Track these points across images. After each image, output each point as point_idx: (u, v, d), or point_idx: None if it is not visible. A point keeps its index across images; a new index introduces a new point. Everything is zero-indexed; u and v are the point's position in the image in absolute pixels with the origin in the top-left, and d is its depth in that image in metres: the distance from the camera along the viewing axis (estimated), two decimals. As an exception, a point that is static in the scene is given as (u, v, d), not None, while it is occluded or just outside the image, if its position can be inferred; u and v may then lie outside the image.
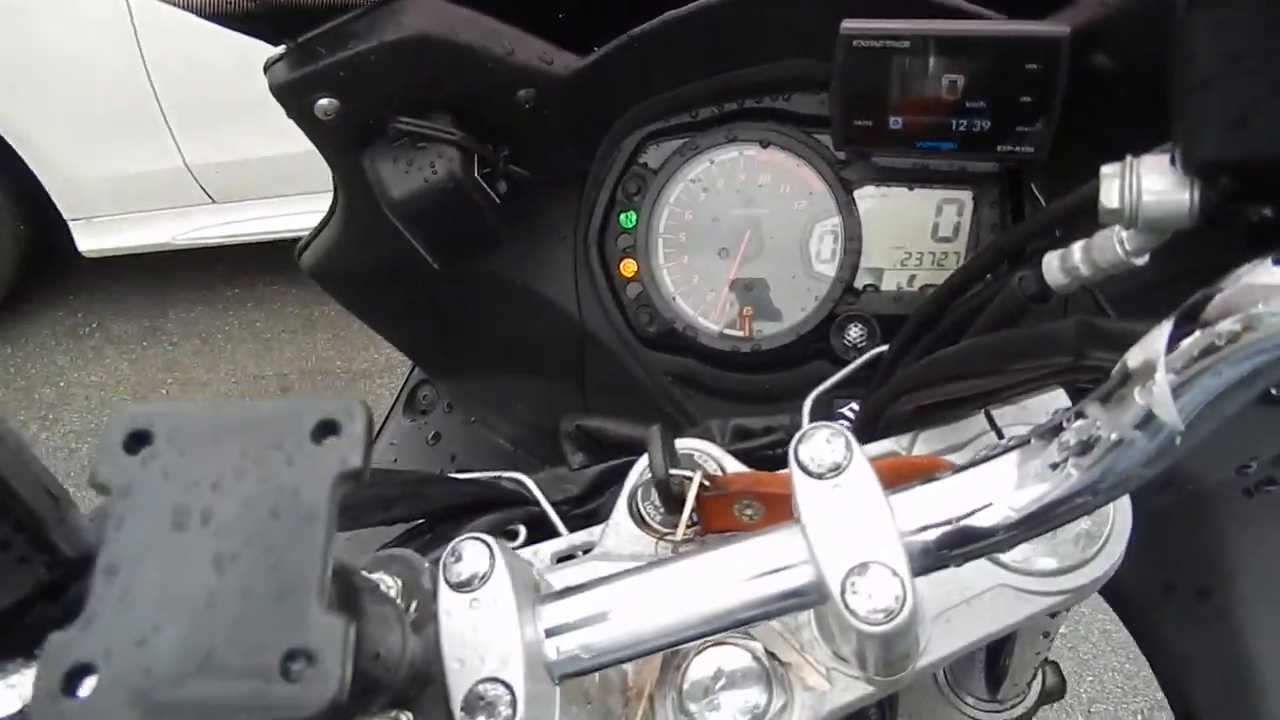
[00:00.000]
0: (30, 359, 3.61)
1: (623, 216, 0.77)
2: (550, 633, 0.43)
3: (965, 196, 0.71)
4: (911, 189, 0.72)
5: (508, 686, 0.40)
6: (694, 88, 0.76)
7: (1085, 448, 0.37)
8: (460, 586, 0.42)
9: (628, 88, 0.75)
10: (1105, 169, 0.40)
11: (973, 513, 0.40)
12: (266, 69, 0.69)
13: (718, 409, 0.80)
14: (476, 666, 0.41)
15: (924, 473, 0.51)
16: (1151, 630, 0.75)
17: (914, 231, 0.73)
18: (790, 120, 0.75)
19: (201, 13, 0.64)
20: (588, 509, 0.67)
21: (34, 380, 3.51)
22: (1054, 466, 0.39)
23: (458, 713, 0.40)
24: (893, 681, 0.49)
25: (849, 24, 0.63)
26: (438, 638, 0.41)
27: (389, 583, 0.43)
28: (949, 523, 0.40)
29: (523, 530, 0.65)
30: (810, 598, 0.41)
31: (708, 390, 0.80)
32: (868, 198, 0.73)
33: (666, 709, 0.52)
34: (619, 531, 0.59)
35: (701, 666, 0.52)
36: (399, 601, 0.43)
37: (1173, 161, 0.37)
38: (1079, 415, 0.38)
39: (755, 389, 0.78)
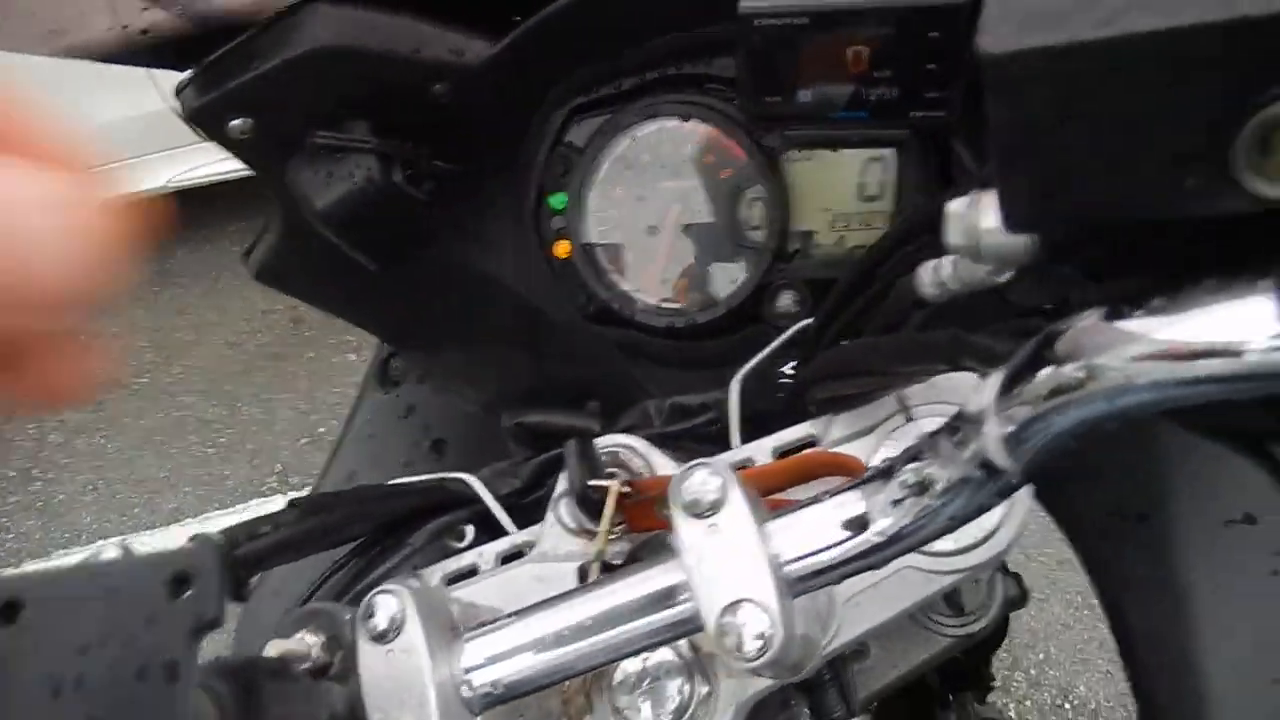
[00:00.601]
0: (48, 314, 3.67)
1: (553, 198, 0.77)
2: (468, 670, 0.46)
3: (889, 155, 0.70)
4: (835, 151, 0.71)
5: (424, 731, 0.44)
6: (614, 60, 0.75)
7: (928, 485, 0.39)
8: (377, 639, 0.46)
9: (545, 68, 0.74)
10: (950, 206, 0.40)
11: (842, 541, 0.42)
12: (177, 94, 0.69)
13: (664, 376, 0.82)
14: (396, 715, 0.44)
15: (831, 469, 0.53)
16: (1095, 552, 0.78)
17: (841, 193, 0.72)
18: (714, 84, 0.74)
19: (102, 58, 0.64)
20: (534, 498, 0.70)
21: (55, 335, 3.58)
22: (907, 498, 0.40)
23: (381, 758, 0.44)
24: (803, 674, 0.52)
25: (746, 3, 0.61)
26: (360, 689, 0.45)
27: (310, 641, 0.46)
28: (819, 551, 0.42)
29: (470, 530, 0.68)
30: (695, 627, 0.44)
31: (654, 359, 0.81)
32: (792, 162, 0.72)
33: (603, 705, 0.56)
34: (553, 534, 0.62)
35: (630, 663, 0.55)
36: (323, 656, 0.46)
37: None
38: (932, 449, 0.40)
39: (698, 355, 0.79)
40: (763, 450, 0.61)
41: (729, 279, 0.76)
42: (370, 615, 0.46)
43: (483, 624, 0.48)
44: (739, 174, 0.73)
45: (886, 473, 0.41)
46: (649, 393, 0.84)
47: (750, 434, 0.65)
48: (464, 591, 0.62)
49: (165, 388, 3.24)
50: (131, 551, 0.44)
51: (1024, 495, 0.54)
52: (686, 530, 0.43)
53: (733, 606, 0.41)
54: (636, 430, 0.68)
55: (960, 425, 0.38)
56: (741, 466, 0.61)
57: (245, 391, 3.16)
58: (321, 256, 0.80)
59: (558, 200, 0.77)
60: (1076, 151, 0.30)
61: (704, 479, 0.43)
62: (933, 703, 1.09)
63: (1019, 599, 0.97)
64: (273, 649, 0.44)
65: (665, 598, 0.44)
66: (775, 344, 0.66)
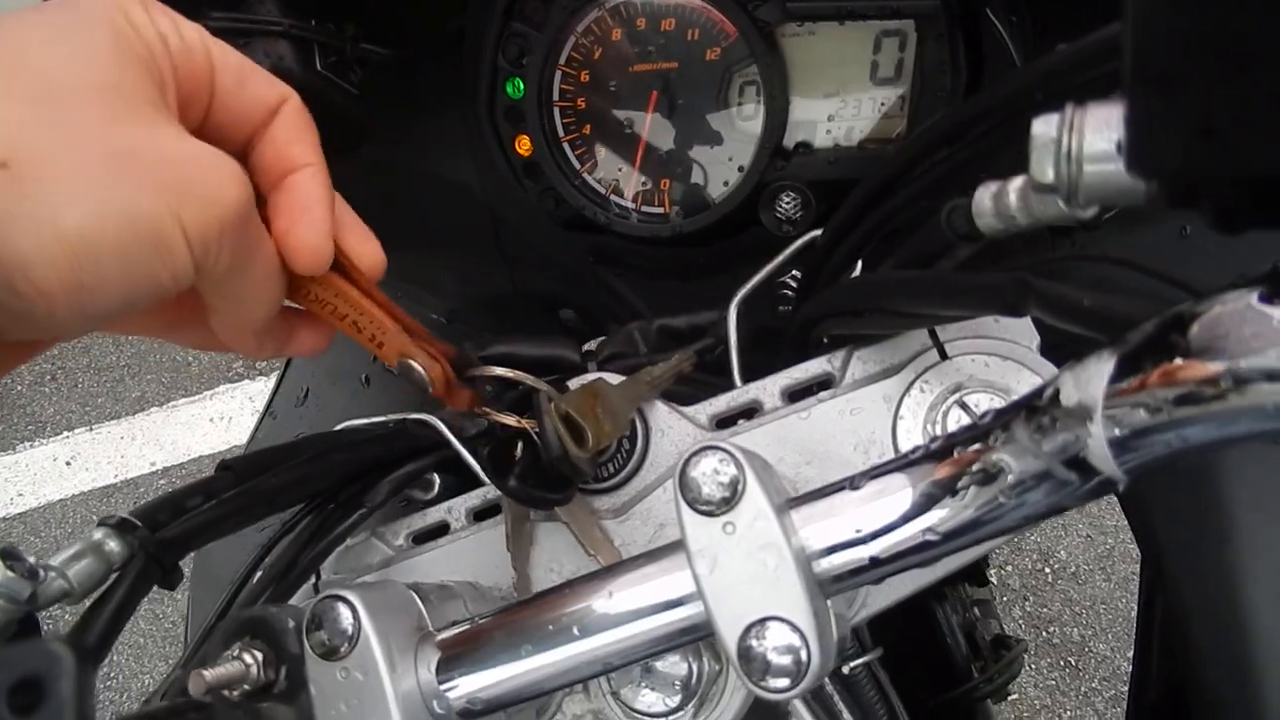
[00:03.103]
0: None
1: (509, 85, 0.66)
2: (441, 683, 0.39)
3: (908, 28, 0.59)
4: (842, 24, 0.60)
5: (390, 763, 0.37)
6: (573, -88, 0.62)
7: (995, 476, 0.31)
8: (327, 655, 0.38)
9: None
10: (1037, 126, 0.30)
11: (883, 534, 0.34)
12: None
13: (646, 285, 0.73)
14: (355, 742, 0.37)
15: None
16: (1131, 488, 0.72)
17: (849, 74, 0.62)
18: (696, -59, 0.61)
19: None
20: (508, 438, 0.62)
21: None
22: (970, 487, 0.33)
23: (343, 794, 0.37)
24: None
25: None
26: (311, 709, 0.38)
27: (247, 660, 0.39)
28: (855, 545, 0.35)
29: (437, 481, 0.60)
30: (705, 634, 0.37)
31: (634, 268, 0.72)
32: (791, 36, 0.61)
33: (601, 692, 0.50)
34: (531, 489, 0.54)
35: (627, 639, 0.49)
36: (264, 675, 0.39)
37: (1118, 150, 0.27)
38: (1004, 429, 0.32)
39: (685, 263, 0.70)
40: (770, 391, 0.53)
41: (719, 179, 0.66)
42: (317, 627, 0.38)
43: (455, 624, 0.41)
44: (729, 53, 0.62)
45: (940, 454, 0.34)
46: (629, 305, 0.75)
47: (750, 361, 0.56)
48: (435, 554, 0.55)
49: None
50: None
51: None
52: (696, 531, 0.35)
53: (758, 626, 0.34)
54: (621, 359, 0.60)
55: (1044, 411, 0.30)
56: (746, 413, 0.53)
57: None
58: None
59: (514, 87, 0.66)
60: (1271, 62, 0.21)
61: (715, 467, 0.35)
62: (928, 596, 1.06)
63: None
64: (198, 683, 0.36)
65: (671, 604, 0.37)
66: (776, 261, 0.57)
